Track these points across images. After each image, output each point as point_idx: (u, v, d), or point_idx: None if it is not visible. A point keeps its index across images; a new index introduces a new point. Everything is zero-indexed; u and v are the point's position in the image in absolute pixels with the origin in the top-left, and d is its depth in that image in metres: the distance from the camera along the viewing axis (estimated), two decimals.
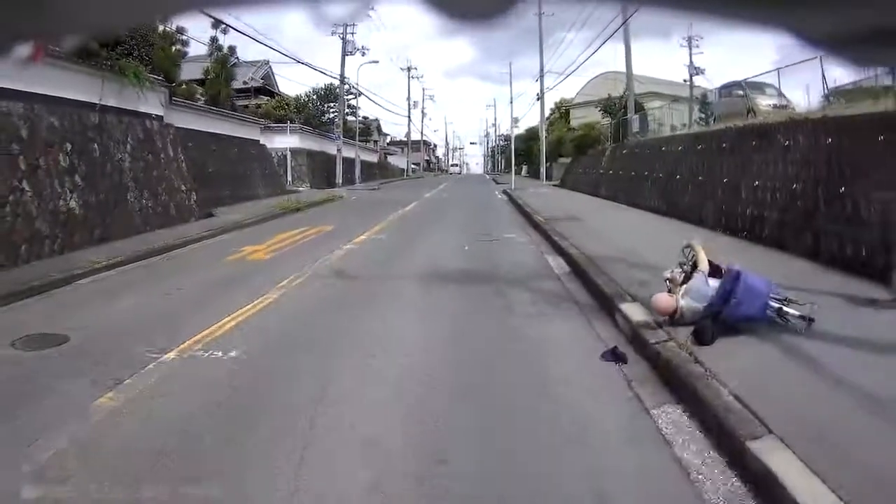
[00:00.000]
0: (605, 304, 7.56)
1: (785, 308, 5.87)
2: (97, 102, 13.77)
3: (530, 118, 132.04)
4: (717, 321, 5.64)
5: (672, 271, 6.52)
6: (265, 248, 12.65)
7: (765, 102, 19.05)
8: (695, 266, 6.30)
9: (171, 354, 5.84)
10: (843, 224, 10.03)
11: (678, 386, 4.91)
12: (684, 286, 6.11)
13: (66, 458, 3.90)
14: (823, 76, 15.47)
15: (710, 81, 37.84)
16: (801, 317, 5.87)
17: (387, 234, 15.48)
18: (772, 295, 5.85)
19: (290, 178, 33.47)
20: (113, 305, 8.02)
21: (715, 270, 6.15)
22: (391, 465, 3.83)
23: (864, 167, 9.49)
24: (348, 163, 41.59)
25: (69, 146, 12.59)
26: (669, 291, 6.23)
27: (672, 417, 4.53)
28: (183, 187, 17.22)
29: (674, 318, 5.98)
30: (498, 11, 0.49)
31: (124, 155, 14.59)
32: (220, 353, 5.89)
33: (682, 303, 5.94)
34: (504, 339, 6.53)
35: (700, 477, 3.71)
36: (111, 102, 14.40)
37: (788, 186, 12.32)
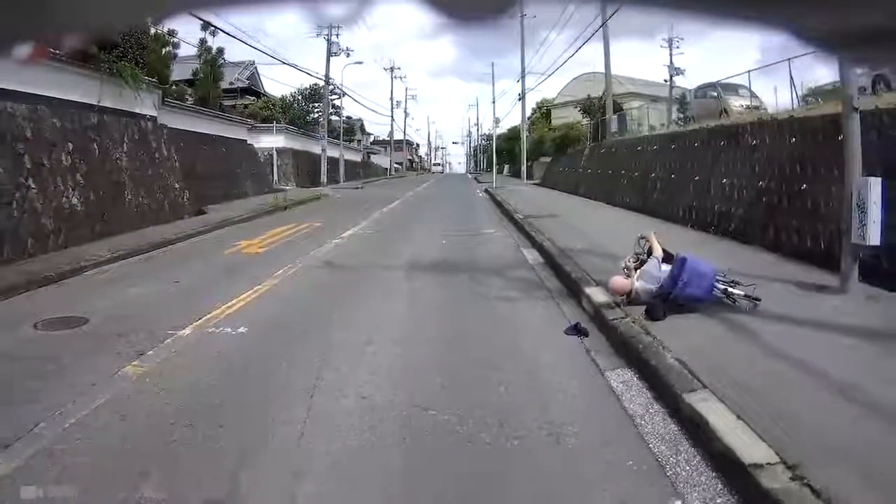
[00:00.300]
0: (573, 289, 8.36)
1: (731, 289, 6.69)
2: (96, 104, 14.36)
3: (512, 118, 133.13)
4: (667, 301, 6.45)
5: (628, 259, 7.33)
6: (259, 243, 13.33)
7: (738, 103, 19.86)
8: (650, 253, 7.10)
9: (187, 331, 6.55)
10: (803, 218, 10.86)
11: (630, 353, 5.70)
12: (638, 270, 6.92)
13: (103, 413, 4.58)
14: (791, 78, 16.40)
15: (691, 82, 38.81)
16: (747, 297, 6.68)
17: (373, 229, 16.23)
18: (717, 277, 6.66)
19: (276, 177, 33.99)
20: (123, 293, 8.64)
21: (668, 257, 6.96)
22: (383, 408, 4.57)
23: (824, 165, 10.29)
24: (332, 162, 42.24)
25: (70, 146, 13.15)
26: (627, 277, 7.03)
27: (623, 378, 5.32)
28: (176, 185, 17.81)
29: (630, 298, 6.79)
30: (497, 11, 0.50)
31: (121, 154, 15.16)
32: (229, 330, 6.62)
33: (637, 284, 6.75)
34: (480, 319, 7.31)
35: (643, 422, 4.49)
36: (108, 104, 14.99)
37: (754, 183, 13.16)
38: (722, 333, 6.07)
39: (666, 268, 6.77)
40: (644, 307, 6.52)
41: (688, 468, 3.86)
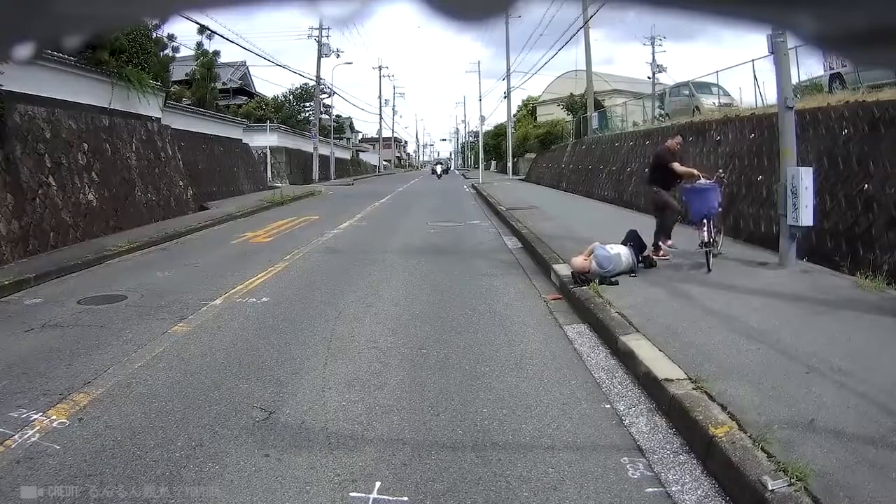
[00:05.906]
0: (544, 267, 9.66)
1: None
2: (107, 107, 15.46)
3: (499, 115, 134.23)
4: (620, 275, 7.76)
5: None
6: (264, 234, 14.54)
7: (710, 101, 21.06)
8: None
9: (217, 301, 7.77)
10: (758, 206, 12.13)
11: (585, 312, 6.98)
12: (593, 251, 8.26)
13: (163, 358, 5.78)
14: (755, 78, 17.59)
15: (674, 78, 39.99)
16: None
17: (367, 221, 17.48)
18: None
19: (269, 175, 35.10)
20: (151, 275, 9.79)
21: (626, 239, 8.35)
22: (391, 360, 5.81)
23: (777, 157, 11.46)
24: (323, 160, 43.40)
25: (85, 146, 14.26)
26: (586, 258, 8.32)
27: (577, 329, 6.60)
28: (180, 183, 18.96)
29: (586, 276, 8.06)
30: (496, 11, 0.51)
31: (131, 154, 16.31)
32: (254, 300, 7.86)
33: (592, 264, 8.05)
34: (463, 290, 8.59)
35: (588, 357, 5.76)
36: (117, 106, 16.04)
37: (717, 175, 14.40)
38: (661, 296, 7.36)
39: (615, 248, 8.10)
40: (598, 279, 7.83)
41: (619, 386, 5.12)
